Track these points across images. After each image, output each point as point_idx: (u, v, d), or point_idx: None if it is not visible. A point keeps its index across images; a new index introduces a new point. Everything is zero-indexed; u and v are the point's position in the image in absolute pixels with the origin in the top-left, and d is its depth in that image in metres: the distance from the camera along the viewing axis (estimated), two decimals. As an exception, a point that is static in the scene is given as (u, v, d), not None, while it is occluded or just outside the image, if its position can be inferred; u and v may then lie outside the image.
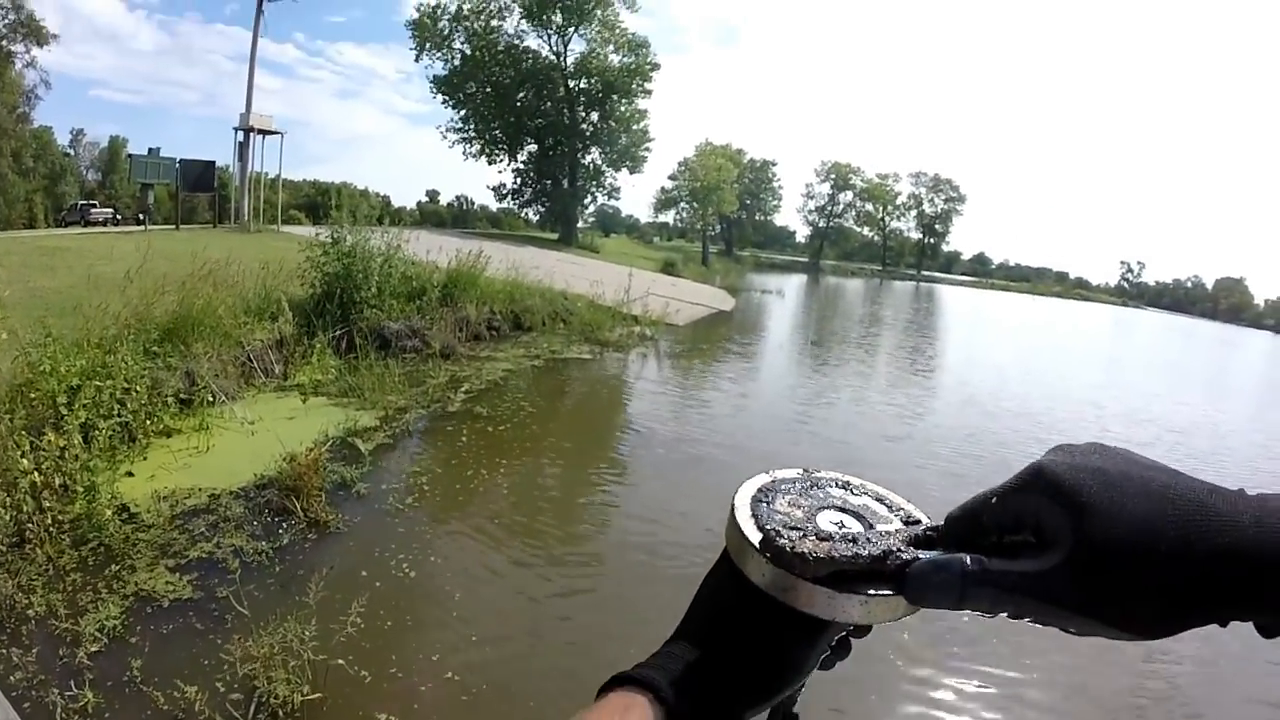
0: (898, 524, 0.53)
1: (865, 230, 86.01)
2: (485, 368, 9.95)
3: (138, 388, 5.74)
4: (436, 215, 59.44)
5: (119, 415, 5.45)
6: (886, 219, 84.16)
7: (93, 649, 3.29)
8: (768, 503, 0.53)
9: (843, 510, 0.54)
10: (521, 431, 7.46)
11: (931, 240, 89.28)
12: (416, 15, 38.60)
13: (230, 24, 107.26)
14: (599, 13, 38.45)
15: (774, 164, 67.43)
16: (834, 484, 0.57)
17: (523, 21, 39.16)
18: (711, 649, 0.49)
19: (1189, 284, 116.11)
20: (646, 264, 31.14)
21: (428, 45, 38.83)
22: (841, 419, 10.09)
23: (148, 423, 5.78)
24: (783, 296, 35.22)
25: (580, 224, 44.50)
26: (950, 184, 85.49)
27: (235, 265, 8.83)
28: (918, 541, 0.49)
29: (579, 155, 41.42)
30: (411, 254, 11.24)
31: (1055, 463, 0.43)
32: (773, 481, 0.56)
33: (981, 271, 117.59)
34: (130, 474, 5.14)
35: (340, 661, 3.36)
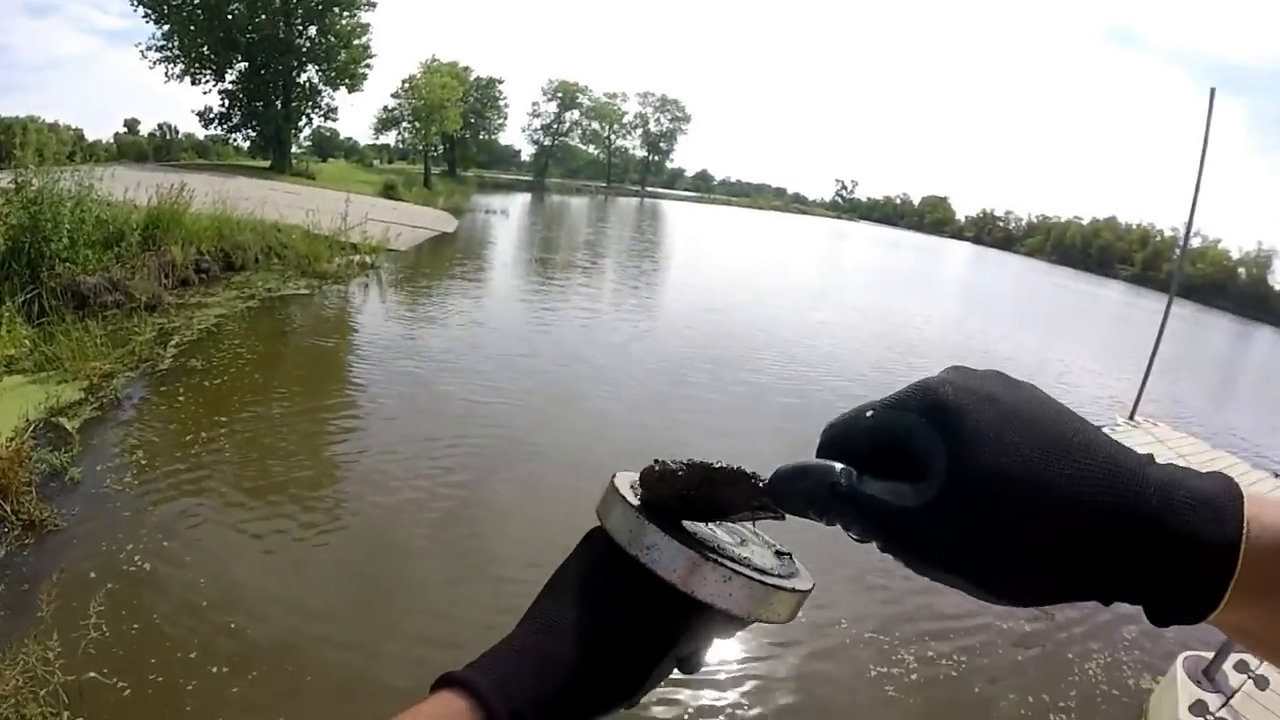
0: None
1: (591, 148, 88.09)
2: (196, 315, 9.40)
3: None
4: (136, 148, 50.69)
5: None
6: (612, 137, 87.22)
7: None
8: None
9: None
10: (243, 382, 7.23)
11: (656, 158, 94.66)
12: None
13: None
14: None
15: (500, 81, 66.11)
16: None
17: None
18: (551, 636, 0.43)
19: (898, 200, 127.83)
20: (366, 188, 29.74)
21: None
22: (573, 336, 11.27)
23: None
24: (507, 216, 35.30)
25: (295, 149, 41.05)
26: (677, 104, 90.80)
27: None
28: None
29: (294, 73, 37.60)
30: (107, 194, 10.03)
31: (944, 380, 0.37)
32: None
33: (704, 187, 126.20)
34: None
35: (93, 674, 3.16)
